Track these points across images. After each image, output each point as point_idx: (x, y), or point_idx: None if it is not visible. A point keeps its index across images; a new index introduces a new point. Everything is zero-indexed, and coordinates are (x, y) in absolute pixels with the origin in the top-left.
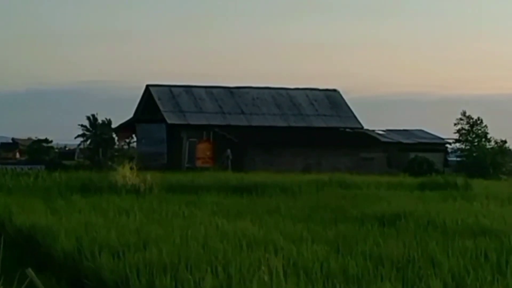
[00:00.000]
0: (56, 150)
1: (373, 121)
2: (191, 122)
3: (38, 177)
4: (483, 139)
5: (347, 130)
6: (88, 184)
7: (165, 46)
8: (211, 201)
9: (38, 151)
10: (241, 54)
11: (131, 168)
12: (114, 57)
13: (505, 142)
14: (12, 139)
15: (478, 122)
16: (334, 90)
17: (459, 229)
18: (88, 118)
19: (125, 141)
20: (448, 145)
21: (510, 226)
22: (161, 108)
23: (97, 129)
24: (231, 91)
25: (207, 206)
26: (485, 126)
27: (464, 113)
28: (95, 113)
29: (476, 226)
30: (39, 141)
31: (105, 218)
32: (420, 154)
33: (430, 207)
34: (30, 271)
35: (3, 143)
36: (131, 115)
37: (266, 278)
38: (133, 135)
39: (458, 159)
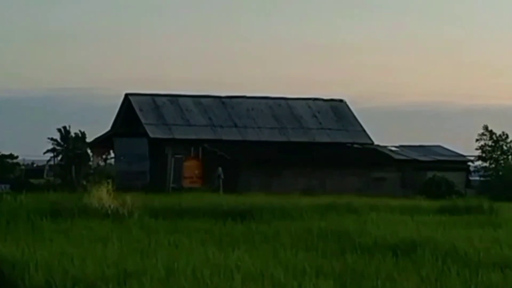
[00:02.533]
0: (23, 167)
1: (385, 136)
2: (177, 137)
3: (1, 199)
4: (510, 157)
5: (355, 146)
6: (60, 208)
7: (146, 49)
8: (200, 228)
9: (1, 168)
10: (234, 58)
11: (108, 189)
12: (88, 61)
13: None
14: None
15: (503, 137)
16: (340, 101)
17: (483, 260)
18: (59, 130)
19: (102, 158)
20: (470, 163)
21: None
22: (142, 120)
23: (69, 144)
24: (223, 101)
25: (196, 233)
26: (511, 141)
27: (486, 128)
28: (67, 125)
29: (502, 257)
30: (3, 156)
31: (79, 247)
32: (439, 174)
33: (450, 235)
34: None
35: None
36: (108, 128)
37: None
38: (111, 151)
39: (482, 179)
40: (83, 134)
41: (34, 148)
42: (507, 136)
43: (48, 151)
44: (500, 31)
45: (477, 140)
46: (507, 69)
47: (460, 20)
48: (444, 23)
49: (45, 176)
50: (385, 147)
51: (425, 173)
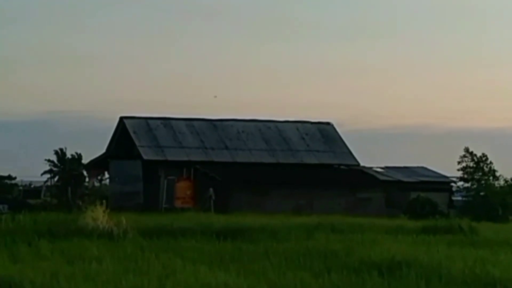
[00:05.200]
0: (20, 188)
1: (370, 157)
2: (170, 158)
3: (0, 220)
4: (491, 177)
5: (342, 167)
6: (56, 228)
7: (140, 73)
8: (192, 247)
9: (0, 189)
10: (225, 82)
11: (103, 209)
12: (84, 85)
13: None
14: None
15: (483, 159)
16: (328, 123)
17: (466, 279)
18: (56, 152)
19: (97, 179)
20: (453, 184)
21: None
22: (136, 142)
23: (65, 165)
24: (214, 124)
25: (188, 253)
26: (491, 163)
27: (467, 150)
28: (63, 147)
29: (484, 276)
30: (1, 177)
31: (75, 266)
32: (422, 194)
33: (434, 255)
34: None
35: None
36: (103, 150)
37: None
38: (106, 172)
39: (464, 199)
40: (79, 156)
41: (31, 169)
42: (487, 158)
43: (45, 172)
44: (479, 55)
45: (459, 162)
46: (486, 92)
47: (439, 44)
48: (425, 48)
49: (42, 196)
50: (371, 168)
51: (409, 194)
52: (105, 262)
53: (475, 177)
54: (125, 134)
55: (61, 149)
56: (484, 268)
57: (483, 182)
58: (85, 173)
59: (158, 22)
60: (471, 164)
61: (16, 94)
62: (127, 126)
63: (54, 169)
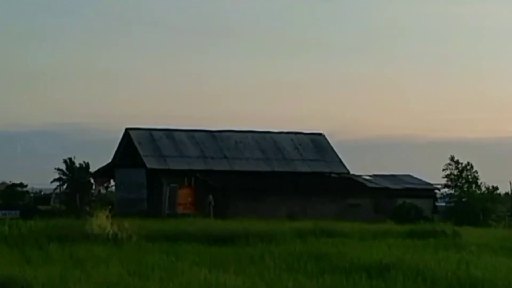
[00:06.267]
0: (31, 195)
1: (359, 166)
2: (172, 167)
3: (12, 225)
4: (473, 185)
5: (333, 175)
6: (65, 233)
7: (145, 87)
8: (192, 251)
9: (12, 196)
10: (224, 95)
11: (108, 215)
12: (92, 97)
13: (496, 188)
14: None
15: (468, 167)
16: (320, 134)
17: (450, 280)
18: (65, 161)
19: (103, 186)
20: (437, 191)
21: (502, 277)
22: (140, 152)
23: (74, 173)
24: (213, 135)
25: (189, 255)
26: (475, 171)
27: (452, 158)
28: (72, 156)
29: (467, 278)
30: (14, 185)
31: (82, 269)
32: (408, 200)
33: (419, 257)
34: None
35: None
36: (109, 159)
37: None
38: (112, 180)
39: (447, 205)
40: (87, 164)
41: (42, 177)
42: (472, 166)
43: (54, 180)
44: (463, 70)
45: (444, 169)
46: (470, 105)
47: (426, 60)
48: (413, 64)
49: (51, 203)
50: (360, 176)
51: (395, 200)
52: (111, 265)
53: (458, 184)
54: (130, 145)
55: (69, 158)
56: (467, 270)
57: (466, 189)
58: (92, 181)
59: (163, 41)
60: (455, 172)
61: (29, 106)
62: (132, 137)
63: (63, 177)
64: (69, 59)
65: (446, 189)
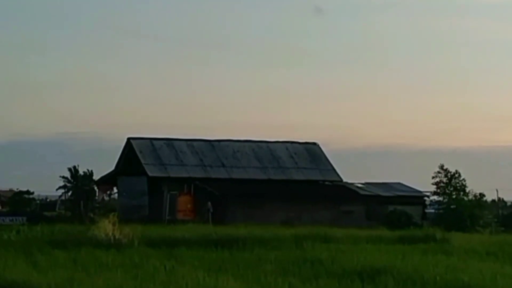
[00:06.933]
0: (38, 202)
1: (352, 174)
2: (172, 175)
3: (20, 231)
4: (461, 192)
5: (327, 183)
6: (70, 238)
7: (146, 98)
8: (192, 255)
9: (19, 203)
10: (222, 105)
11: (111, 222)
12: (95, 108)
13: (483, 195)
14: None
15: (456, 175)
16: (314, 143)
17: (439, 284)
18: (70, 170)
19: (106, 194)
20: (426, 198)
21: (489, 281)
22: (142, 161)
23: (78, 181)
24: (212, 144)
25: (188, 260)
26: (463, 179)
27: (442, 167)
28: (76, 165)
29: (455, 282)
30: (21, 192)
31: (87, 273)
32: (399, 207)
33: (409, 262)
34: None
35: None
36: (112, 167)
37: None
38: (114, 188)
39: (436, 211)
40: (91, 172)
41: (47, 185)
42: (460, 174)
43: (60, 187)
44: (451, 82)
45: (433, 177)
46: (458, 115)
47: (415, 72)
48: (403, 76)
49: (57, 209)
50: (352, 184)
51: (387, 207)
52: (114, 269)
53: (447, 191)
54: (132, 153)
55: (74, 167)
56: (455, 274)
57: (454, 196)
58: (96, 188)
59: (164, 54)
60: (444, 179)
61: (36, 117)
62: (134, 146)
63: (68, 184)
64: (73, 71)
65: (435, 196)
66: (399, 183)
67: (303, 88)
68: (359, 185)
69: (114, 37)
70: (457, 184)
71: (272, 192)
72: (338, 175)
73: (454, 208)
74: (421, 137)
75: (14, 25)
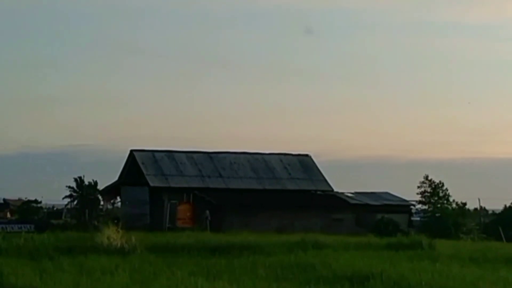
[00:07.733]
0: (45, 210)
1: (342, 184)
2: (173, 185)
3: (27, 238)
4: (445, 201)
5: (318, 192)
6: (75, 245)
7: (148, 111)
8: (191, 261)
9: (27, 211)
10: (219, 119)
11: (116, 229)
12: (99, 121)
13: (465, 204)
14: (4, 199)
15: (440, 185)
16: (306, 155)
17: None
18: (75, 180)
19: (110, 202)
20: (412, 207)
21: (471, 286)
22: (144, 172)
23: (83, 191)
24: (210, 156)
25: (187, 266)
26: (446, 189)
27: (426, 177)
28: (82, 175)
29: (439, 287)
30: (29, 201)
31: (92, 278)
32: (386, 215)
33: (396, 268)
34: None
35: None
36: (116, 177)
37: None
38: (118, 197)
39: (422, 219)
40: (95, 182)
41: (54, 194)
42: (443, 184)
43: (66, 196)
44: (437, 96)
45: (418, 187)
46: (443, 128)
47: (403, 87)
48: (391, 90)
49: (63, 217)
50: (343, 193)
51: (375, 215)
52: (117, 274)
53: (432, 200)
54: (134, 165)
55: (79, 177)
56: (440, 279)
57: (438, 205)
58: (100, 197)
59: (165, 70)
60: (429, 189)
61: (44, 130)
62: (136, 157)
63: (74, 194)
64: (79, 87)
65: (420, 205)
66: (386, 193)
67: (296, 103)
68: (349, 195)
69: (118, 54)
70: (441, 194)
71: (267, 201)
72: (329, 185)
73: (439, 216)
74: (407, 149)
75: (23, 42)
